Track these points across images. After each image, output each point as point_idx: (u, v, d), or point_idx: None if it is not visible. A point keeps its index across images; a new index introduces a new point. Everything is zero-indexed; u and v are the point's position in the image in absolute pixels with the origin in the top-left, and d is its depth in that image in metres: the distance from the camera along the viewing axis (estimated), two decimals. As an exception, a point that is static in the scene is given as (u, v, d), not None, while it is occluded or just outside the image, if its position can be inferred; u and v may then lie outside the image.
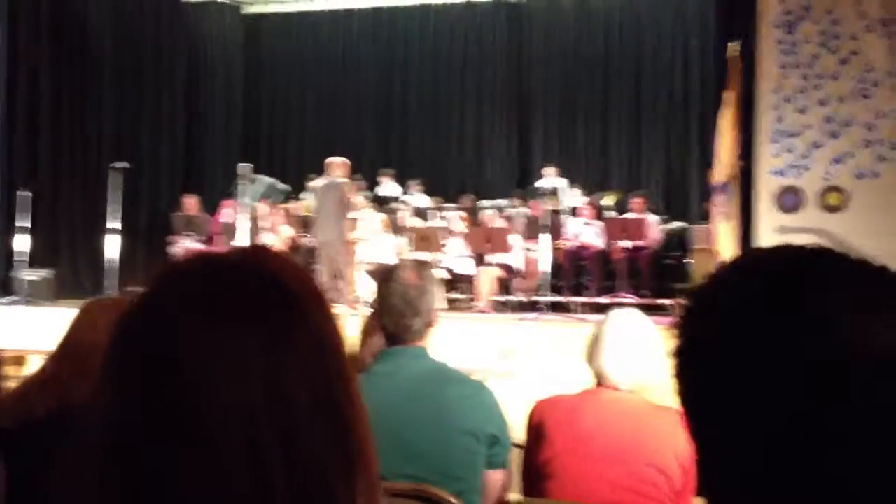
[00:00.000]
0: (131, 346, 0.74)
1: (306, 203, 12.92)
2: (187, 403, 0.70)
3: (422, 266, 2.57)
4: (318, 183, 10.06)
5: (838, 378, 0.71)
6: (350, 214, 9.58)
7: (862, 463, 0.71)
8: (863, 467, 0.71)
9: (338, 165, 9.50)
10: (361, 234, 9.97)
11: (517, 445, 2.56)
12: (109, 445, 0.72)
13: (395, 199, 12.76)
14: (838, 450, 0.71)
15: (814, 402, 0.71)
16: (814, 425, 0.71)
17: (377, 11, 15.10)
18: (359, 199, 10.62)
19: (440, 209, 12.29)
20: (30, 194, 10.19)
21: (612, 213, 11.48)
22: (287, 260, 0.82)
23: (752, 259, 0.83)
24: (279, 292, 0.76)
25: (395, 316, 2.40)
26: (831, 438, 0.71)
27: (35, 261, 10.38)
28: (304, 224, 11.70)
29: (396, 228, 11.01)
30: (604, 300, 9.77)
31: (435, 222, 11.49)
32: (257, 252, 0.80)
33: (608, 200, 12.26)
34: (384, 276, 2.48)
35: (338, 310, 0.81)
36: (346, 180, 9.52)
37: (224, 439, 0.69)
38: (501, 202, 12.82)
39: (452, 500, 2.20)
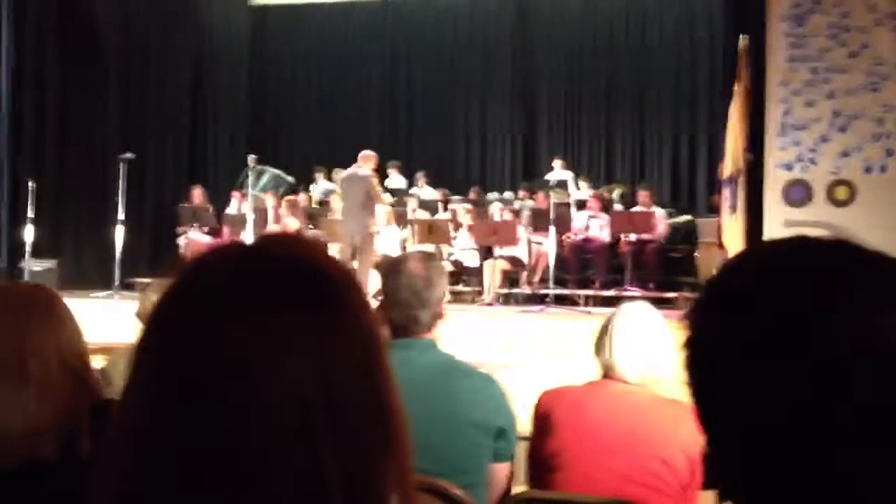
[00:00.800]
0: (174, 340, 0.73)
1: (314, 195, 12.96)
2: (245, 395, 0.70)
3: (429, 257, 2.56)
4: (343, 174, 10.05)
5: (845, 375, 0.71)
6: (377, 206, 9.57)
7: (867, 459, 0.70)
8: (868, 464, 0.70)
9: (366, 158, 9.51)
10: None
11: (522, 437, 2.56)
12: (155, 448, 0.71)
13: (403, 192, 12.77)
14: (845, 446, 0.70)
15: (819, 398, 0.71)
16: (819, 421, 0.71)
17: (384, 4, 15.08)
18: (385, 194, 10.62)
19: (447, 201, 12.30)
20: (35, 185, 10.20)
21: (619, 207, 11.46)
22: (323, 249, 0.83)
23: (765, 251, 0.82)
24: (324, 281, 0.76)
25: (403, 308, 2.38)
26: (837, 435, 0.71)
27: (40, 251, 10.40)
28: (311, 216, 11.72)
29: (402, 221, 11.01)
30: (610, 293, 9.77)
31: (442, 215, 11.49)
32: (292, 241, 0.81)
33: (615, 193, 12.26)
34: (391, 267, 2.47)
35: None
36: (371, 172, 9.54)
37: (279, 426, 0.70)
38: (507, 195, 12.83)
39: (459, 492, 2.19)
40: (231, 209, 11.73)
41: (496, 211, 10.90)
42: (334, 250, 10.12)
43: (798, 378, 0.72)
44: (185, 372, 0.71)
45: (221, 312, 0.72)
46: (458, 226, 10.67)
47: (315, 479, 0.70)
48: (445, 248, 10.42)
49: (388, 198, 10.77)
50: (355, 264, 9.26)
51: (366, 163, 9.45)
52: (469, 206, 11.08)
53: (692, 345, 0.80)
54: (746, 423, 0.75)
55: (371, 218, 9.29)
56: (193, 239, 10.99)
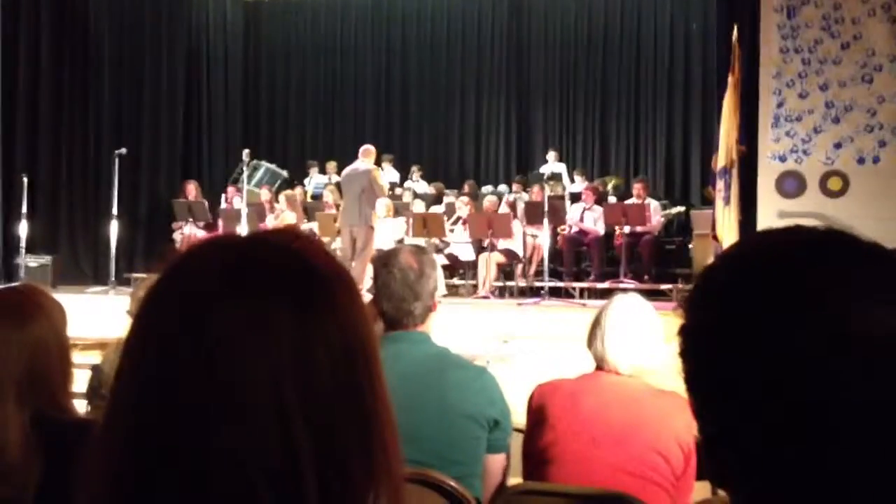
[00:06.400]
0: (157, 319, 0.75)
1: (308, 189, 12.94)
2: (215, 375, 0.71)
3: (420, 250, 2.57)
4: (345, 171, 10.09)
5: (839, 369, 0.70)
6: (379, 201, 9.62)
7: (861, 455, 0.70)
8: (862, 460, 0.70)
9: (367, 152, 9.58)
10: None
11: (517, 430, 2.57)
12: (134, 424, 0.72)
13: (397, 185, 12.77)
14: (837, 440, 0.70)
15: (812, 392, 0.70)
16: (811, 416, 0.70)
17: (378, -2, 15.06)
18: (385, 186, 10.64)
19: (442, 194, 12.30)
20: (29, 181, 10.18)
21: (613, 199, 11.47)
22: (313, 240, 0.83)
23: (760, 241, 0.81)
24: (315, 275, 0.77)
25: (396, 300, 2.39)
26: (830, 429, 0.70)
27: (35, 247, 10.38)
28: (306, 210, 11.70)
29: (397, 214, 11.01)
30: (604, 285, 9.78)
31: (438, 208, 11.49)
32: (293, 235, 0.81)
33: (609, 186, 12.27)
34: (383, 260, 2.47)
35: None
36: (374, 166, 9.57)
37: (253, 415, 0.71)
38: (502, 188, 12.83)
39: (453, 484, 2.21)
40: (227, 203, 11.73)
41: (493, 204, 10.90)
42: (332, 244, 10.15)
43: (790, 373, 0.71)
44: (167, 350, 0.73)
45: (207, 295, 0.73)
46: (456, 219, 10.66)
47: (290, 462, 0.71)
48: (443, 242, 10.42)
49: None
50: (355, 259, 9.27)
51: (366, 157, 9.51)
52: (466, 199, 11.08)
53: (686, 333, 0.80)
54: (738, 415, 0.74)
55: (371, 211, 9.32)
56: (189, 234, 10.97)
